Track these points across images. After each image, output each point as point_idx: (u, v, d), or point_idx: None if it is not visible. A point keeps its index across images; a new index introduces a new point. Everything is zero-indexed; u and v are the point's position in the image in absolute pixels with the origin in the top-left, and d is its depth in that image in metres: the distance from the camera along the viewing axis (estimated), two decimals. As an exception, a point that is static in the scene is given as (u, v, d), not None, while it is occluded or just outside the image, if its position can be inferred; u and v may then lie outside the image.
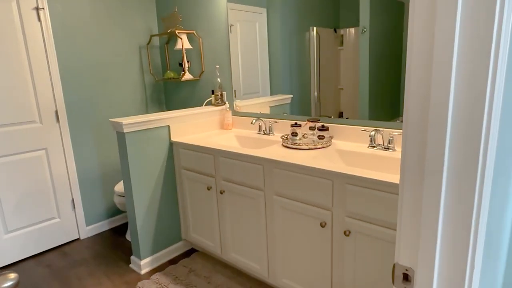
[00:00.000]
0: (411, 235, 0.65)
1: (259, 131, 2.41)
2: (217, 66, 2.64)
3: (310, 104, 2.23)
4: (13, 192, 2.47)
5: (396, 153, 1.74)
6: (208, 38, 2.74)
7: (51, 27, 2.51)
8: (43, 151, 2.58)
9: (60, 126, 2.63)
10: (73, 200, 2.76)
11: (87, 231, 2.86)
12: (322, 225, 1.59)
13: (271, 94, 2.43)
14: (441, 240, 0.61)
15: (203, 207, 2.28)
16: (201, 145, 2.13)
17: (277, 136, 2.31)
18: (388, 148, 1.81)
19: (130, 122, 2.10)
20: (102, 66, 2.84)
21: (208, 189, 2.15)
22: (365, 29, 1.89)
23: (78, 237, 2.83)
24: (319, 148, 1.91)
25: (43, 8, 2.45)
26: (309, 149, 1.90)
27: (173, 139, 2.34)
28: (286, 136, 2.11)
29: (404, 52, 1.77)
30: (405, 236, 0.66)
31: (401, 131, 1.81)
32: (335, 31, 2.01)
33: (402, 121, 1.82)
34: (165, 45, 3.11)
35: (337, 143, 2.01)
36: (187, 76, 2.82)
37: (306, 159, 1.70)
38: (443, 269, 0.61)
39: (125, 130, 2.09)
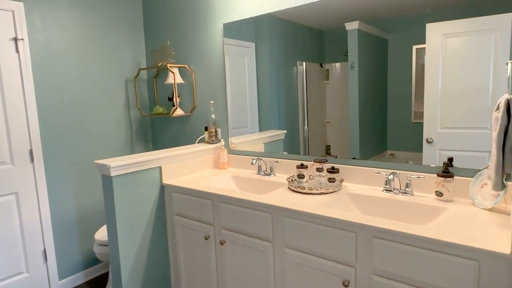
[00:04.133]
0: None
1: (258, 171, 2.23)
2: (211, 102, 2.49)
3: (299, 139, 2.17)
4: (-26, 245, 2.13)
5: (415, 198, 1.61)
6: (201, 73, 2.60)
7: (30, 59, 2.29)
8: (13, 196, 2.27)
9: (35, 166, 2.35)
10: (45, 250, 2.42)
11: (59, 286, 2.51)
12: (345, 284, 1.40)
13: (259, 129, 2.35)
14: None
15: (198, 258, 2.03)
16: (198, 189, 1.92)
17: (278, 177, 2.14)
18: (406, 193, 1.67)
19: (118, 164, 1.88)
20: (86, 101, 2.61)
21: (206, 238, 1.92)
22: (353, 65, 1.92)
23: (49, 293, 2.47)
24: (330, 192, 1.75)
25: (22, 39, 2.24)
26: (320, 193, 1.74)
27: (165, 181, 2.12)
28: (292, 178, 1.94)
29: (390, 86, 1.80)
30: None
31: (418, 174, 1.69)
32: (321, 65, 2.04)
33: (392, 155, 1.78)
34: (153, 79, 2.95)
35: (348, 186, 1.86)
36: (179, 111, 2.65)
37: (319, 206, 1.54)
38: None
39: (112, 174, 1.86)
